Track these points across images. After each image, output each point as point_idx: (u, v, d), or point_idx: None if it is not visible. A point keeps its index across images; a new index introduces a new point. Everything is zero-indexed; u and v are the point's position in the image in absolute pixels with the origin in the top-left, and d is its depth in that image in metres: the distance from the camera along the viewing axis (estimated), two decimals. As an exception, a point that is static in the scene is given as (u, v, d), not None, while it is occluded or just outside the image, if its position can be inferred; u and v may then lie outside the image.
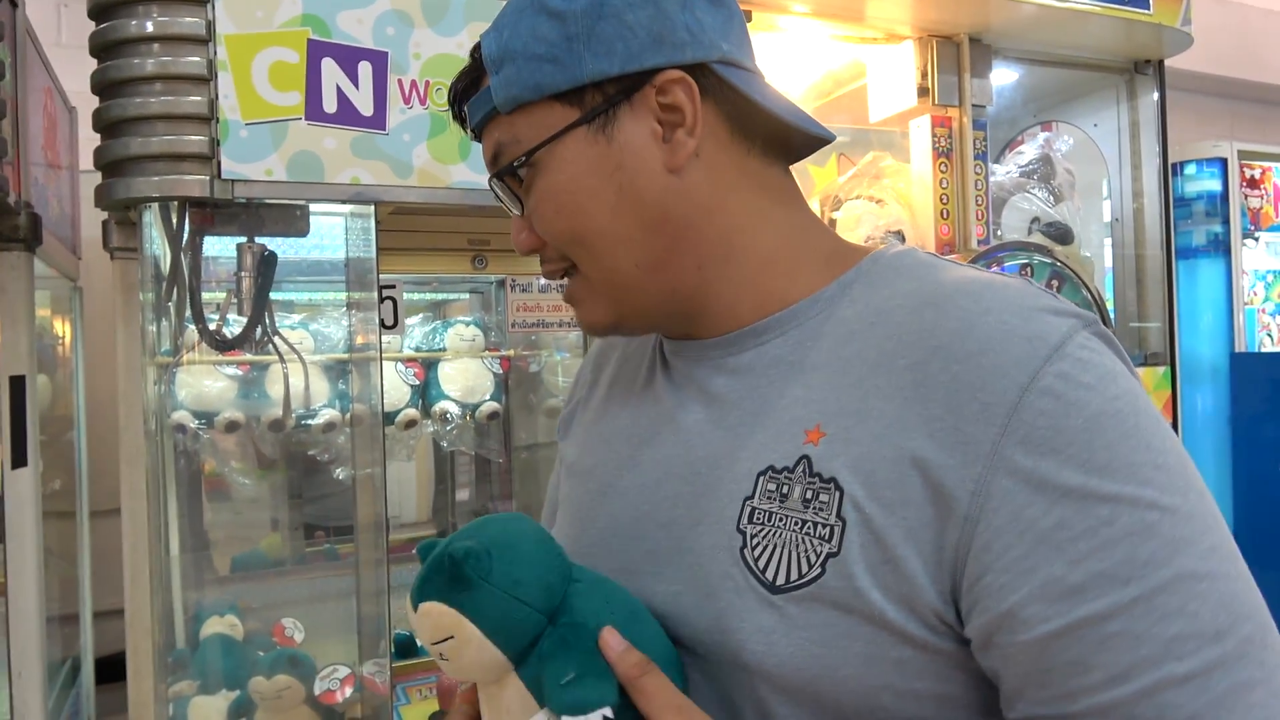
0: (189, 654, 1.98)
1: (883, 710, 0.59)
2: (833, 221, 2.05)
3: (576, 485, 0.82)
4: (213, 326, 1.57)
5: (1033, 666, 0.55)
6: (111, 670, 2.34)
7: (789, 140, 0.74)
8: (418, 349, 2.42)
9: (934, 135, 2.02)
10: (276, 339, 1.64)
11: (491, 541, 0.62)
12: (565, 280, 0.74)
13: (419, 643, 0.64)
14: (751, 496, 0.63)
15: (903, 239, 2.01)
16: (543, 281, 1.99)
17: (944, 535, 0.57)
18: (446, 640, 0.61)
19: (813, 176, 2.30)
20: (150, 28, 1.43)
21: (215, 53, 1.44)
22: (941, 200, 2.03)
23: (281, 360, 1.69)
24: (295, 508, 2.73)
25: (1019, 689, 0.56)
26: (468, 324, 2.46)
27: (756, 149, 0.71)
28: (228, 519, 2.60)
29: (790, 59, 2.12)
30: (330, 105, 1.51)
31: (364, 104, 1.53)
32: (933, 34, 2.01)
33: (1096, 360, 0.57)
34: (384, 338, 1.92)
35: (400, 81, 1.56)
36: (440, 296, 2.67)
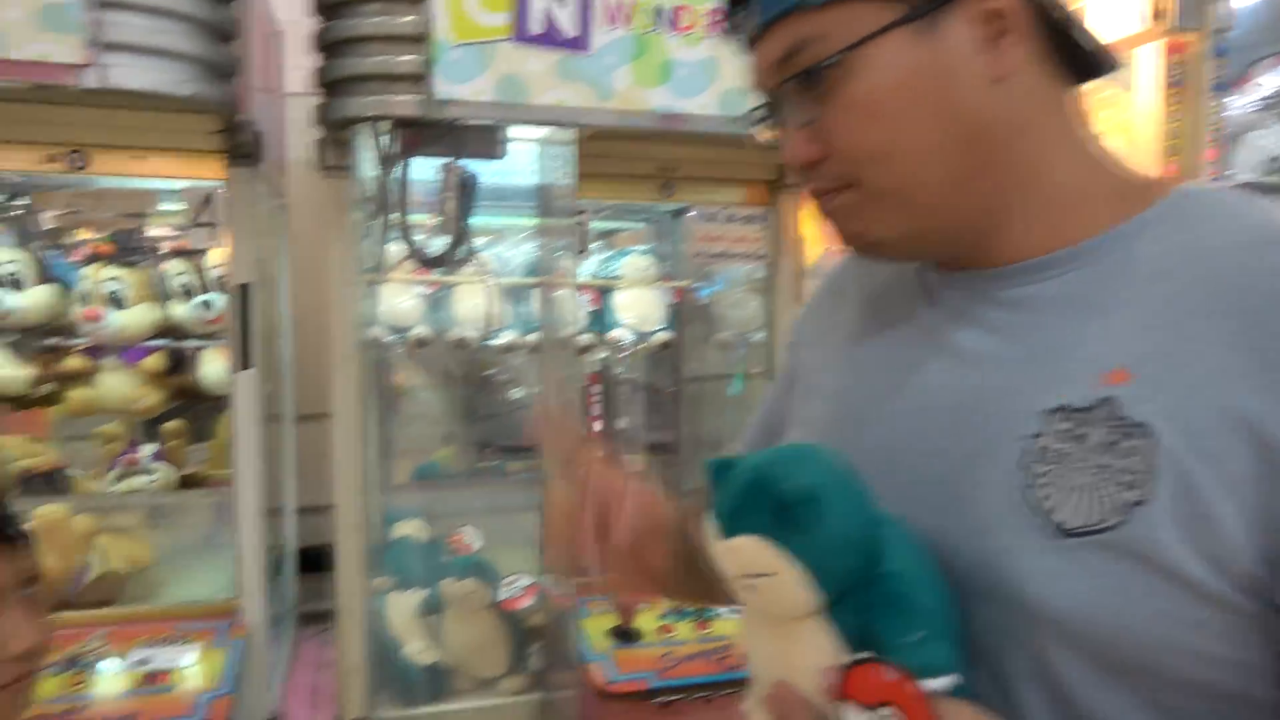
0: (384, 553, 2.12)
1: (1170, 670, 0.56)
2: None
3: (825, 408, 0.78)
4: (418, 245, 1.63)
5: None
6: (308, 561, 2.54)
7: (1084, 62, 0.67)
8: (594, 276, 2.45)
9: (1167, 63, 1.83)
10: (475, 257, 1.68)
11: (821, 482, 0.59)
12: (833, 193, 0.67)
13: (721, 569, 0.63)
14: (1038, 435, 0.59)
15: (1121, 173, 1.86)
16: (727, 211, 1.96)
17: (1273, 496, 0.52)
18: (761, 576, 0.59)
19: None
20: (368, -52, 1.46)
21: (430, -27, 1.46)
22: (1170, 135, 1.85)
23: (481, 280, 1.74)
24: (470, 424, 2.85)
25: None
26: (643, 253, 2.47)
27: (1063, 67, 0.64)
28: (411, 430, 2.75)
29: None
30: (537, 26, 1.51)
31: (570, 25, 1.53)
32: (1171, -52, 1.82)
33: None
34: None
35: (606, 3, 1.54)
36: (615, 225, 2.67)
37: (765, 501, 0.58)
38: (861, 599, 0.59)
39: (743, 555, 0.60)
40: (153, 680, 1.62)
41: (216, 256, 2.13)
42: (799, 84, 0.63)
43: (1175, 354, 0.57)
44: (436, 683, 1.93)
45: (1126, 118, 1.94)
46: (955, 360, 0.67)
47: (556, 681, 1.91)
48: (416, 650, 1.95)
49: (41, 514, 1.87)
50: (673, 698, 1.67)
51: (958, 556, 0.61)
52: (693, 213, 2.22)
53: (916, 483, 0.65)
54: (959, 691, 0.57)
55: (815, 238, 2.22)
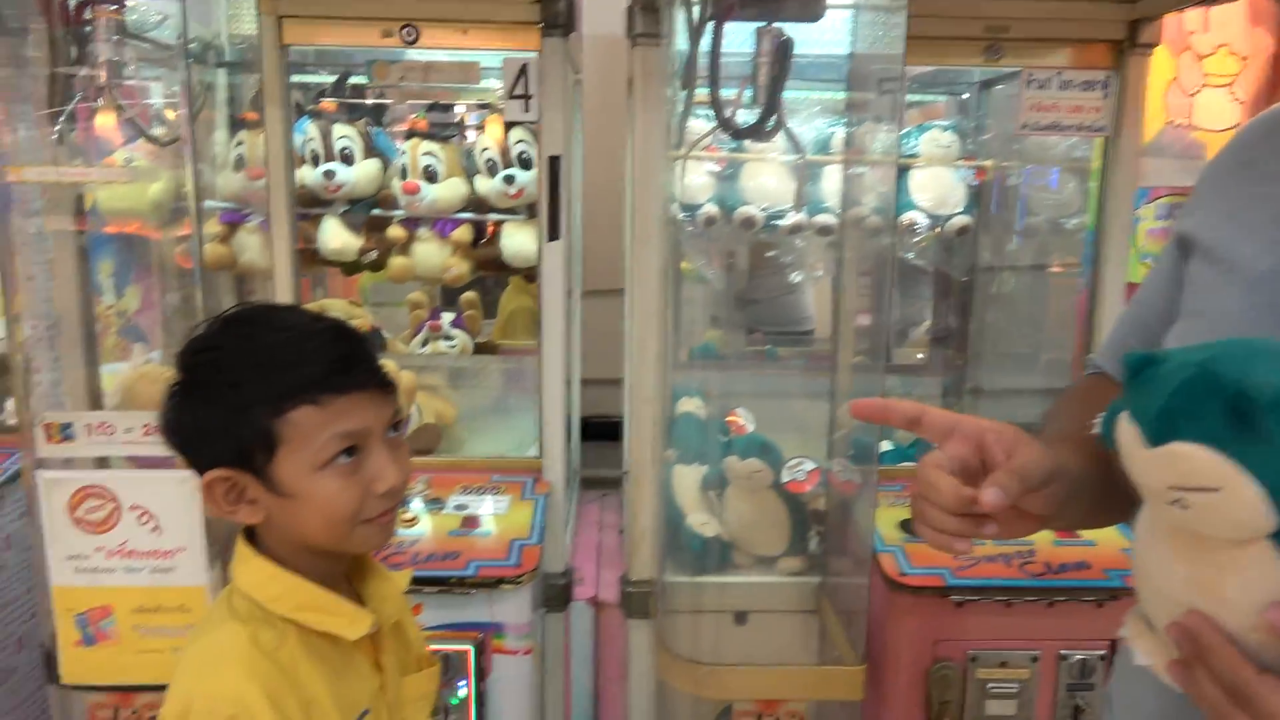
0: (668, 427, 2.17)
1: None
2: None
3: (1251, 296, 0.69)
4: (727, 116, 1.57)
5: None
6: (587, 430, 2.67)
7: None
8: (885, 154, 2.30)
9: None
10: (787, 129, 1.61)
11: None
12: None
13: (1142, 480, 0.57)
14: None
15: None
16: (1064, 77, 1.74)
17: None
18: (1204, 490, 0.52)
19: None
20: None
21: None
22: None
23: (794, 152, 1.67)
24: (743, 306, 2.83)
25: None
26: (945, 129, 2.27)
27: None
28: (688, 310, 2.78)
29: None
30: None
31: None
32: None
33: None
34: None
35: None
36: (915, 98, 2.48)
37: (1215, 404, 0.51)
38: None
39: (1181, 464, 0.52)
40: (471, 524, 1.77)
41: (517, 133, 2.20)
42: None
43: None
44: (717, 554, 1.97)
45: None
46: None
47: (837, 567, 1.90)
48: (699, 522, 2.00)
49: (393, 374, 2.06)
50: (969, 598, 1.61)
51: None
52: (1007, 83, 2.00)
53: None
54: None
55: (1156, 110, 1.94)
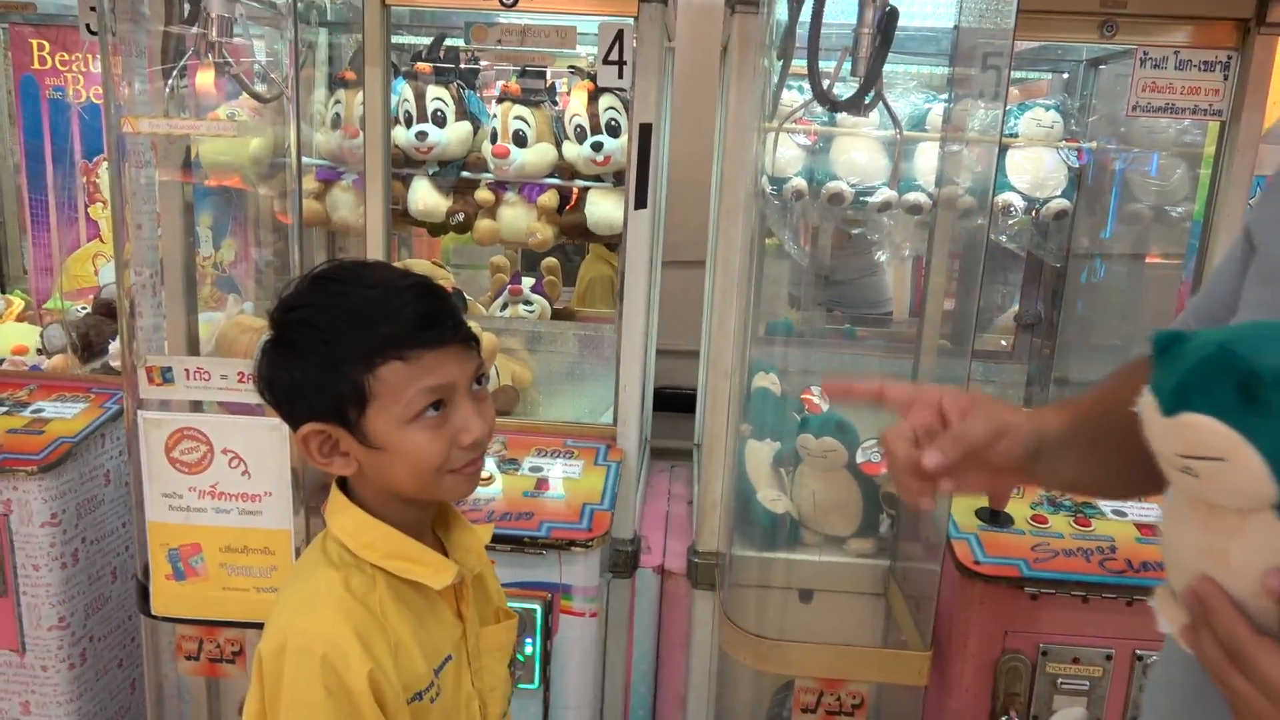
0: (744, 401, 2.16)
1: None
2: None
3: None
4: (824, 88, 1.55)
5: None
6: (660, 401, 2.68)
7: None
8: (983, 132, 2.23)
9: None
10: (885, 102, 1.57)
11: None
12: None
13: (1158, 448, 0.60)
14: None
15: None
16: (1181, 56, 1.66)
17: None
18: (1211, 459, 0.55)
19: None
20: None
21: None
22: None
23: (894, 123, 1.63)
24: (825, 284, 2.79)
25: None
26: (1048, 108, 2.19)
27: None
28: (768, 286, 2.76)
29: None
30: None
31: None
32: None
33: None
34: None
35: None
36: (1017, 75, 2.40)
37: (1229, 379, 0.55)
38: None
39: (1192, 434, 0.56)
40: (544, 486, 1.79)
41: (606, 100, 2.20)
42: None
43: None
44: (786, 531, 1.97)
45: None
46: None
47: (908, 551, 1.87)
48: (770, 498, 1.99)
49: (476, 330, 2.10)
50: (1046, 590, 1.57)
51: None
52: (1117, 62, 1.92)
53: None
54: None
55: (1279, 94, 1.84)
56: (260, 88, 1.98)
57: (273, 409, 0.99)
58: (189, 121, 1.60)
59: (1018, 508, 1.74)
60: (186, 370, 1.56)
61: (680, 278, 2.72)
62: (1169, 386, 0.57)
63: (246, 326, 1.94)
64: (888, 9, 1.48)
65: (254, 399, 1.00)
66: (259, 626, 0.96)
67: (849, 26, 1.55)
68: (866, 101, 1.54)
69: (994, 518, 1.70)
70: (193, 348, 1.80)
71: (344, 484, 1.01)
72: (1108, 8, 1.65)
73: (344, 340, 0.92)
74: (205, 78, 1.94)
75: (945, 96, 1.93)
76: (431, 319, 0.94)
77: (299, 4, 2.16)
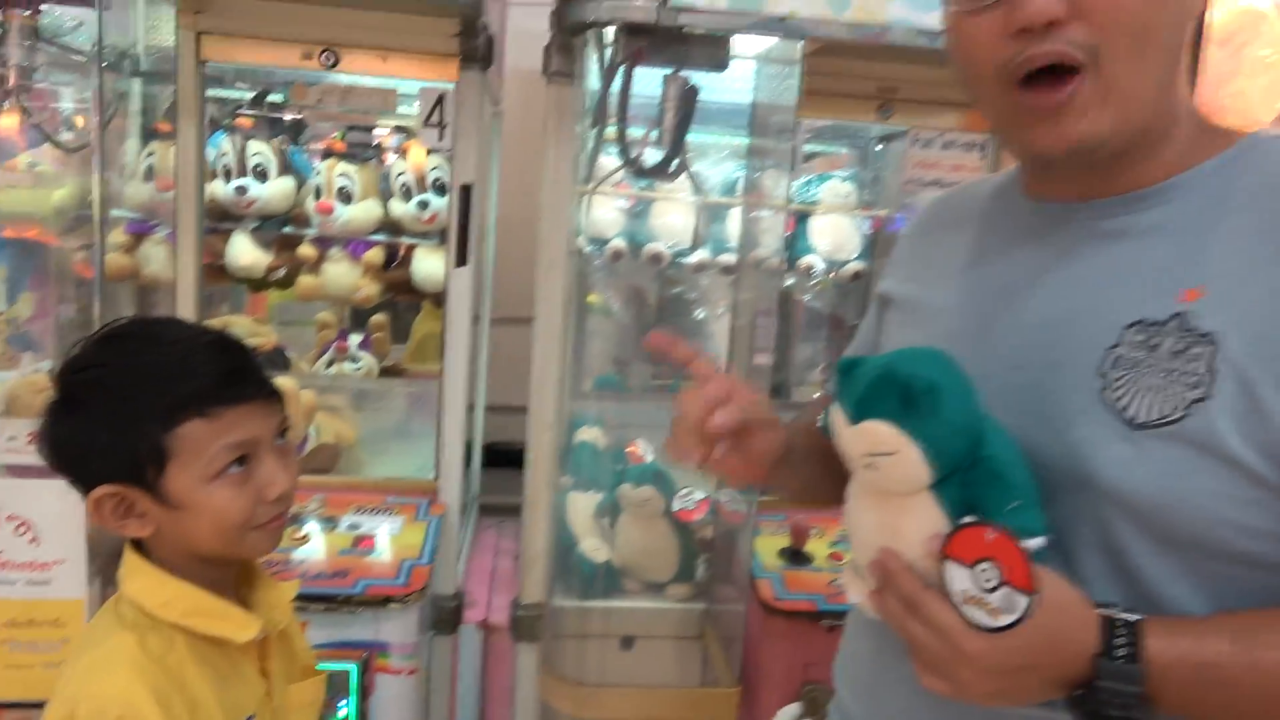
0: (568, 454, 2.22)
1: (1218, 541, 0.68)
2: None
3: (933, 325, 0.87)
4: (633, 156, 1.65)
5: None
6: (489, 456, 2.69)
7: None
8: (790, 200, 2.42)
9: None
10: (689, 170, 1.69)
11: (939, 377, 0.70)
12: (1062, 81, 0.71)
13: (846, 450, 0.75)
14: (1117, 345, 0.72)
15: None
16: (946, 137, 1.88)
17: None
18: (884, 455, 0.70)
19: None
20: None
21: (675, -121, 1.45)
22: None
23: (688, 196, 1.75)
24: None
25: None
26: (844, 179, 2.41)
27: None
28: (595, 341, 2.84)
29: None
30: (775, -64, 1.48)
31: (808, -64, 1.49)
32: None
33: None
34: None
35: (846, -88, 1.49)
36: (818, 149, 2.62)
37: (893, 391, 0.69)
38: (966, 477, 0.70)
39: (870, 436, 0.70)
40: (362, 544, 1.78)
41: (433, 160, 2.25)
42: None
43: (1245, 275, 0.68)
44: (608, 580, 2.02)
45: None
46: (1054, 288, 0.78)
47: (722, 594, 1.97)
48: (591, 547, 2.04)
49: (279, 383, 2.06)
50: (840, 623, 1.69)
51: (1039, 450, 0.73)
52: (905, 138, 2.14)
53: (1007, 389, 0.76)
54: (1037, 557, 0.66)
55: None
56: (66, 136, 1.92)
57: (61, 473, 0.96)
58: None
59: (817, 546, 1.87)
60: (-33, 431, 1.47)
61: (513, 334, 2.76)
62: (852, 401, 0.72)
63: (40, 386, 1.83)
64: (688, 86, 1.61)
65: (37, 460, 0.98)
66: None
67: (658, 98, 1.68)
68: (672, 169, 1.65)
69: (795, 557, 1.82)
70: (-21, 407, 1.69)
71: (138, 544, 0.99)
72: (884, 93, 1.85)
73: (140, 400, 0.91)
74: (9, 123, 1.86)
75: (748, 165, 2.08)
76: (233, 375, 0.95)
77: (111, 53, 2.12)
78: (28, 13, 1.48)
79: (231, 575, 1.04)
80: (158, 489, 0.92)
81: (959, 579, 0.66)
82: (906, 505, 0.72)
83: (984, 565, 0.65)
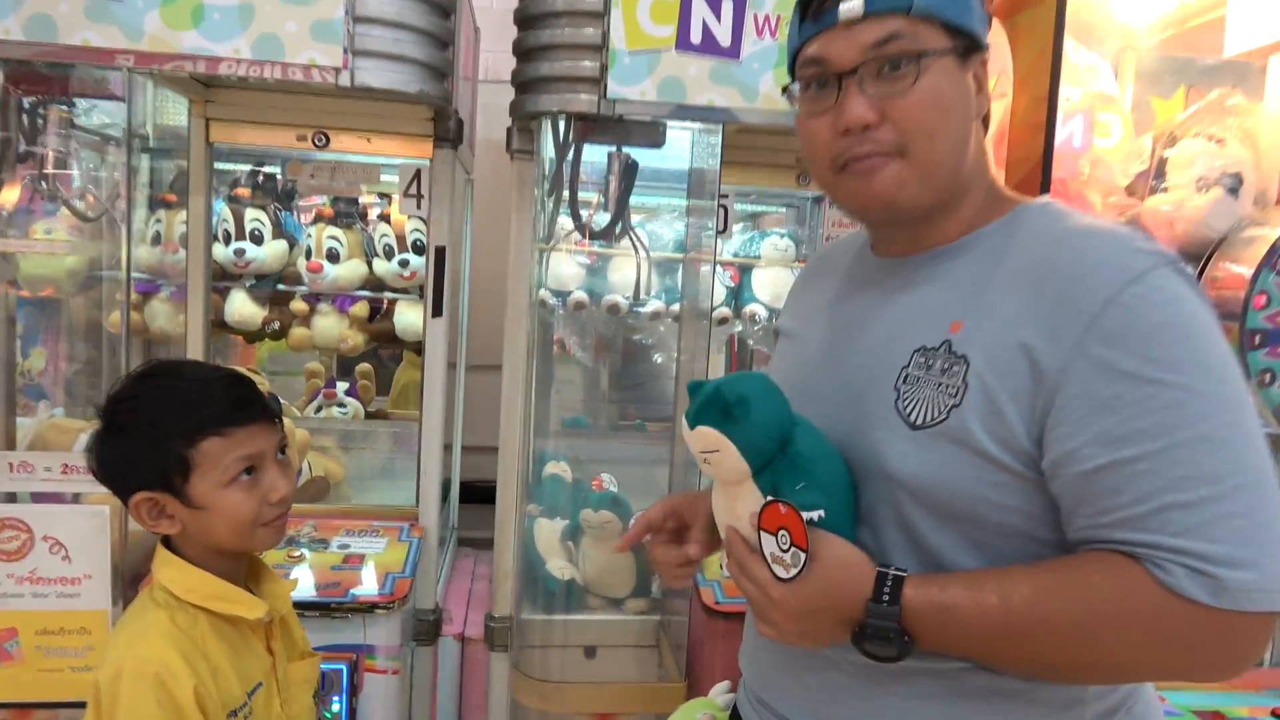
0: (535, 486, 2.45)
1: (981, 516, 0.85)
2: (1164, 160, 2.02)
3: (798, 349, 1.10)
4: (584, 220, 1.93)
5: (1083, 491, 0.80)
6: (466, 493, 2.92)
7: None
8: (735, 255, 2.69)
9: (1293, 74, 1.92)
10: (631, 233, 1.97)
11: (750, 392, 0.89)
12: (876, 157, 0.91)
13: (691, 450, 0.97)
14: (907, 365, 0.91)
15: (1240, 182, 1.95)
16: (859, 201, 2.16)
17: (1036, 398, 0.82)
18: (713, 452, 0.91)
19: (1154, 109, 2.24)
20: (563, -30, 1.76)
21: (612, -10, 1.74)
22: (1294, 143, 1.94)
23: (636, 252, 2.02)
24: (615, 384, 3.16)
25: (1073, 508, 0.82)
26: (782, 235, 2.69)
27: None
28: (563, 384, 3.09)
29: (1139, -9, 2.08)
30: (696, 37, 1.78)
31: (724, 36, 1.78)
32: (1309, -35, 1.90)
33: (1170, 288, 0.81)
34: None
35: (755, 16, 1.79)
36: (759, 208, 2.91)
37: (717, 404, 0.89)
38: (775, 468, 0.90)
39: (700, 439, 0.91)
40: (351, 560, 2.00)
41: (413, 222, 2.51)
42: (888, 64, 0.89)
43: (991, 309, 0.87)
44: (572, 596, 2.25)
45: (1254, 126, 2.03)
46: (878, 323, 0.98)
47: (674, 606, 2.19)
48: (557, 567, 2.27)
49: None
50: (775, 624, 1.92)
51: (853, 448, 0.93)
52: (824, 201, 2.43)
53: (841, 401, 0.97)
54: (831, 527, 0.87)
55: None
56: (79, 204, 2.17)
57: (105, 485, 1.20)
58: (25, 241, 1.78)
59: (757, 560, 2.10)
60: (10, 464, 1.70)
61: (489, 381, 3.01)
62: (691, 412, 0.92)
63: (65, 428, 2.07)
64: (629, 162, 1.89)
65: (70, 489, 1.20)
66: (74, 706, 1.13)
67: (604, 168, 1.96)
68: (617, 232, 1.93)
69: (737, 568, 2.05)
70: (10, 445, 1.92)
71: (168, 542, 1.22)
72: (801, 164, 2.14)
73: (169, 422, 1.15)
74: (12, 193, 2.09)
75: (688, 223, 2.36)
76: (242, 401, 1.19)
77: (128, 134, 2.38)
78: (65, 108, 1.74)
79: (243, 569, 1.27)
80: (184, 494, 1.15)
81: (767, 544, 0.86)
82: (739, 491, 0.92)
83: (781, 532, 0.84)
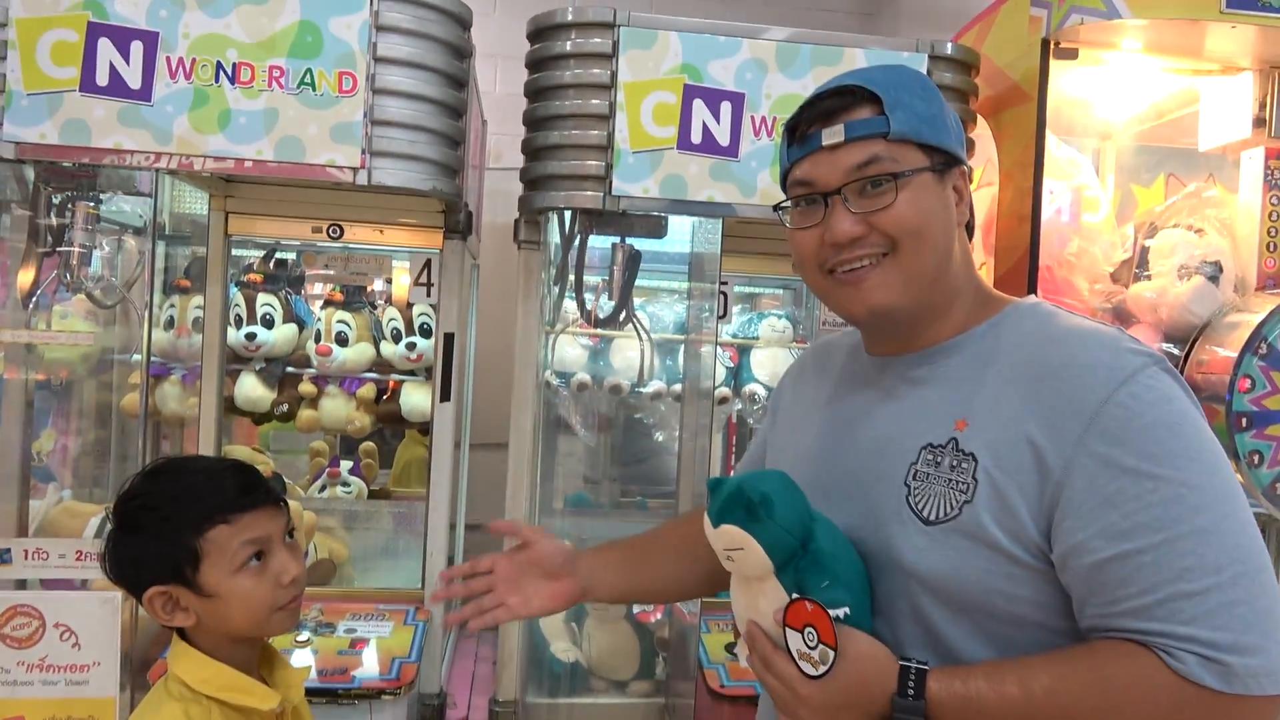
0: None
1: (995, 608, 0.89)
2: (1145, 248, 2.10)
3: (800, 448, 1.12)
4: (589, 307, 1.99)
5: (1093, 581, 0.85)
6: (470, 572, 2.93)
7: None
8: (734, 336, 2.76)
9: (1267, 168, 2.00)
10: (634, 320, 2.03)
11: (772, 490, 0.93)
12: (864, 266, 0.97)
13: (714, 548, 0.98)
14: (915, 462, 0.95)
15: (1220, 270, 2.03)
16: (854, 287, 2.23)
17: (1043, 492, 0.87)
18: (737, 549, 0.93)
19: (1136, 196, 2.33)
20: (568, 76, 1.86)
21: (615, 96, 1.84)
22: (1270, 234, 2.02)
23: (640, 340, 2.08)
24: (617, 462, 3.20)
25: (1084, 598, 0.86)
26: (780, 317, 2.76)
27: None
28: (567, 463, 3.13)
29: (1115, 87, 2.19)
30: (697, 137, 1.87)
31: (723, 136, 1.87)
32: (1274, 66, 2.00)
33: (1159, 386, 0.87)
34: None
35: (753, 118, 1.88)
36: (757, 290, 2.99)
37: (740, 503, 0.92)
38: (798, 565, 0.92)
39: (724, 536, 0.93)
40: (358, 645, 2.02)
41: (420, 306, 2.58)
42: (870, 184, 0.96)
43: (993, 408, 0.92)
44: (576, 679, 2.25)
45: (1230, 216, 2.11)
46: (877, 420, 1.02)
47: (678, 689, 2.20)
48: (561, 649, 2.28)
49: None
50: (779, 707, 1.93)
51: (864, 542, 0.97)
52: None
53: (845, 496, 1.00)
54: (854, 622, 0.90)
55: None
56: (96, 291, 2.24)
57: (118, 584, 1.23)
58: (50, 333, 1.83)
59: (760, 642, 2.11)
60: (25, 551, 1.73)
61: (493, 459, 3.05)
62: (714, 510, 0.94)
63: (76, 512, 2.10)
64: (632, 252, 1.96)
65: (85, 575, 1.22)
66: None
67: (608, 256, 2.03)
68: (620, 319, 1.99)
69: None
70: (22, 531, 1.95)
71: (183, 634, 1.25)
72: (798, 251, 2.22)
73: (177, 515, 1.18)
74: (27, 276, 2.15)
75: (689, 305, 2.43)
76: (246, 488, 1.23)
77: (140, 219, 2.46)
78: (91, 204, 1.82)
79: (256, 657, 1.29)
80: (195, 584, 1.18)
81: (793, 640, 0.88)
82: (761, 588, 0.93)
83: (808, 629, 0.86)
